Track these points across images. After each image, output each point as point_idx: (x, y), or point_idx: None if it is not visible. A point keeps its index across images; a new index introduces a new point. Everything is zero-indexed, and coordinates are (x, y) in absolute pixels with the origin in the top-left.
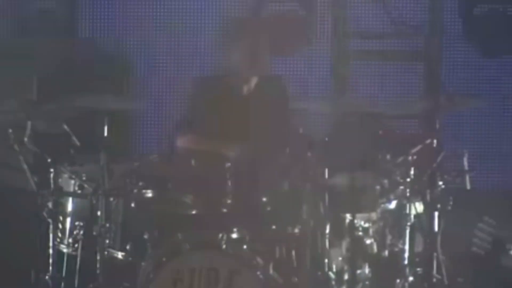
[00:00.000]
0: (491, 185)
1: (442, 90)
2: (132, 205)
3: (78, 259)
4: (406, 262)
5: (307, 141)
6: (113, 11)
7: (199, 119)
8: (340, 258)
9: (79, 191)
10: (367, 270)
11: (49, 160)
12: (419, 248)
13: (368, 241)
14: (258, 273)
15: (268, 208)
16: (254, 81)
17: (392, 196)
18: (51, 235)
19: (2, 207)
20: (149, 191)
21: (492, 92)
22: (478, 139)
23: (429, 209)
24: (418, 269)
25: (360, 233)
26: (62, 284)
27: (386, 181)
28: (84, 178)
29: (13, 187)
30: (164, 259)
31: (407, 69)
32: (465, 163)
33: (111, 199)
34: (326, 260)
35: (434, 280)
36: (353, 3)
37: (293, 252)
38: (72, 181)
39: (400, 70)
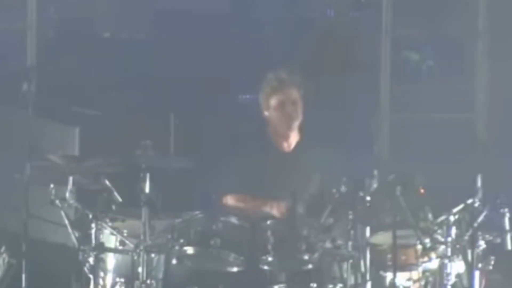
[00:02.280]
0: None
1: (485, 149)
2: (174, 261)
3: None
4: None
5: (349, 199)
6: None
7: (243, 178)
8: None
9: (120, 247)
10: None
11: (90, 216)
12: None
13: None
14: None
15: (310, 266)
16: (294, 138)
17: (433, 255)
18: None
19: (43, 263)
20: (190, 247)
21: None
22: None
23: (470, 268)
24: None
25: None
26: None
27: (427, 240)
28: (125, 234)
29: (54, 243)
30: None
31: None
32: (506, 222)
33: (153, 255)
34: None
35: None
36: None
37: None
38: (114, 237)
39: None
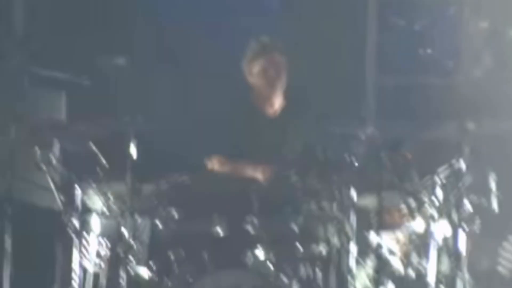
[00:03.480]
0: None
1: (470, 113)
2: (159, 224)
3: (104, 277)
4: (431, 282)
5: (334, 162)
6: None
7: (228, 142)
8: (366, 278)
9: (105, 211)
10: None
11: (76, 179)
12: (445, 268)
13: (393, 261)
14: None
15: (294, 228)
16: (279, 103)
17: (418, 217)
18: (76, 254)
19: (28, 225)
20: (175, 210)
21: None
22: (506, 160)
23: (455, 230)
24: None
25: (386, 253)
26: None
27: (412, 202)
28: (111, 198)
29: (39, 206)
30: (190, 279)
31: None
32: (493, 184)
33: (138, 218)
34: (352, 280)
35: None
36: None
37: (319, 272)
38: (99, 201)
39: (429, 92)
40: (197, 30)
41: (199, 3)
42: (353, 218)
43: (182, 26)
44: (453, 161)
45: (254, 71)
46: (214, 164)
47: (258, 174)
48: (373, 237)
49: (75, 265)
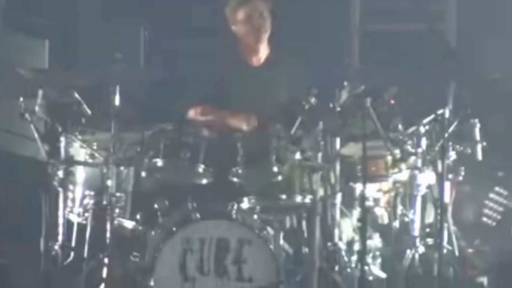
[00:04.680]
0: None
1: (454, 59)
2: (143, 174)
3: (88, 228)
4: (416, 232)
5: (319, 110)
6: None
7: (212, 91)
8: (350, 228)
9: (89, 160)
10: (377, 240)
11: (60, 129)
12: (430, 218)
13: (379, 211)
14: (268, 243)
15: (279, 178)
16: (264, 52)
17: (403, 166)
18: (61, 204)
19: (12, 176)
20: (159, 160)
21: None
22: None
23: (440, 179)
24: (429, 239)
25: (371, 203)
26: (72, 253)
27: (397, 151)
28: (95, 147)
29: (23, 156)
30: (174, 228)
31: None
32: (477, 133)
33: (122, 168)
34: (337, 230)
35: (445, 251)
36: None
37: (304, 222)
38: (83, 150)
39: (413, 39)
40: None
41: None
42: (337, 168)
43: None
44: (439, 111)
45: (238, 19)
46: (197, 112)
47: (242, 123)
48: (357, 187)
49: (60, 216)
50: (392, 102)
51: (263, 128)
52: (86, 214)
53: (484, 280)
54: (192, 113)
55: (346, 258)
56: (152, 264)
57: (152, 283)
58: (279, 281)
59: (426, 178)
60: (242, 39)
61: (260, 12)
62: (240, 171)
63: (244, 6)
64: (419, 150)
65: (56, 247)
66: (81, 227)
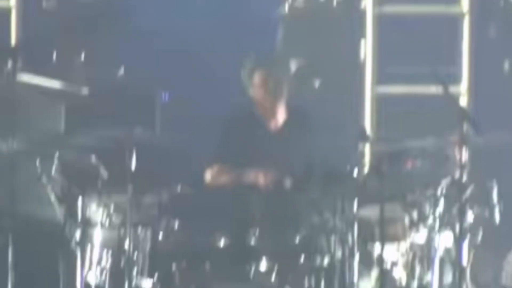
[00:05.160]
0: None
1: (470, 123)
2: (160, 236)
3: None
4: None
5: (336, 173)
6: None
7: (229, 153)
8: None
9: (107, 222)
10: None
11: (77, 191)
12: (448, 280)
13: (396, 273)
14: None
15: (297, 240)
16: (281, 116)
17: (421, 228)
18: (79, 266)
19: (30, 238)
20: (176, 222)
21: None
22: (508, 173)
23: (458, 241)
24: None
25: (389, 265)
26: None
27: (415, 213)
28: (112, 210)
29: (41, 218)
30: None
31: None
32: (494, 196)
33: (139, 230)
34: None
35: None
36: None
37: (322, 284)
38: (100, 212)
39: (427, 103)
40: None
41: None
42: (355, 230)
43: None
44: (455, 172)
45: (254, 83)
46: (214, 173)
47: (259, 179)
48: (375, 249)
49: (78, 278)
50: (410, 165)
51: (281, 190)
52: (104, 276)
53: None
54: (208, 174)
55: None
56: None
57: None
58: None
59: (444, 240)
60: (259, 103)
61: (275, 76)
62: (257, 233)
63: (259, 69)
64: (437, 212)
65: None
66: None
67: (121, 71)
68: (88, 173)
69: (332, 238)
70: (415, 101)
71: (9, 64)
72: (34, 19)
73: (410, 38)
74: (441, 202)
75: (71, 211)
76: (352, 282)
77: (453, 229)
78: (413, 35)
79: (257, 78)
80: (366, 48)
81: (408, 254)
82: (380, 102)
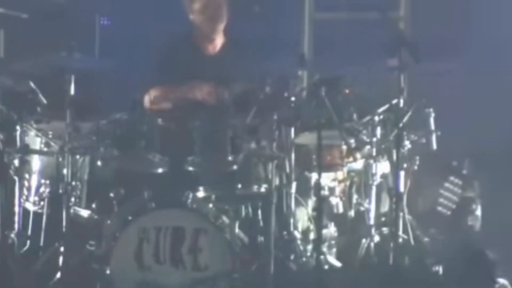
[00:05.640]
0: (457, 146)
1: (408, 49)
2: (98, 163)
3: (44, 217)
4: (372, 221)
5: (274, 100)
6: None
7: (167, 78)
8: (306, 218)
9: (45, 149)
10: (332, 229)
11: (15, 117)
12: (385, 207)
13: (334, 201)
14: (224, 232)
15: (234, 167)
16: (219, 41)
17: (358, 156)
18: (17, 193)
19: None
20: (115, 149)
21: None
22: (445, 100)
23: (395, 168)
24: (384, 228)
25: (326, 193)
26: (28, 241)
27: (352, 141)
28: (50, 136)
29: None
30: (130, 217)
31: (373, 28)
32: (431, 122)
33: (77, 157)
34: (292, 220)
35: (400, 240)
36: None
37: (259, 212)
38: (39, 139)
39: (366, 29)
40: None
41: None
42: (293, 157)
43: None
44: (393, 99)
45: (195, 9)
46: (156, 95)
47: (198, 93)
48: (313, 176)
49: (16, 205)
50: (347, 91)
51: (219, 117)
52: (42, 203)
53: (439, 268)
54: (149, 98)
55: (301, 247)
56: (108, 252)
57: (108, 272)
58: (235, 269)
59: (381, 168)
60: (198, 28)
61: (216, 2)
62: (195, 160)
63: None
64: (374, 139)
65: (12, 235)
66: (37, 216)
67: None
68: (26, 99)
69: (269, 165)
70: (354, 27)
71: None
72: None
73: None
74: (378, 129)
75: (9, 138)
76: (289, 210)
77: (390, 157)
78: None
79: (198, 4)
80: None
81: (345, 181)
82: (319, 28)
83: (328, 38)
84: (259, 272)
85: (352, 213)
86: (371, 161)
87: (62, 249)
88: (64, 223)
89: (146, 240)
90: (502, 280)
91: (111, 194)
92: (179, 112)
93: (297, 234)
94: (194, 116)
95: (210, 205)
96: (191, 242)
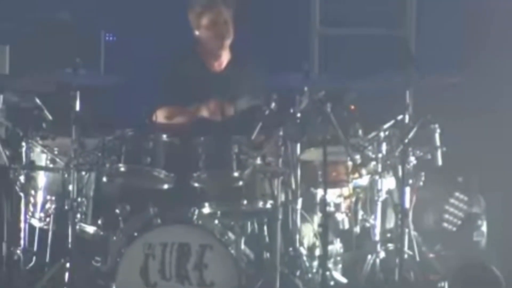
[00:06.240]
0: (462, 162)
1: (414, 65)
2: (104, 179)
3: (50, 233)
4: (377, 237)
5: (279, 116)
6: None
7: (173, 97)
8: (311, 234)
9: (51, 165)
10: (338, 245)
11: (21, 134)
12: (390, 224)
13: (339, 217)
14: (230, 248)
15: (240, 183)
16: (226, 58)
17: (364, 172)
18: (23, 209)
19: None
20: (121, 165)
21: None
22: (450, 116)
23: (401, 184)
24: (390, 244)
25: (332, 209)
26: (34, 258)
27: (358, 157)
28: (56, 152)
29: None
30: (135, 233)
31: (379, 44)
32: (437, 138)
33: (83, 173)
34: (298, 236)
35: (406, 256)
36: None
37: (265, 227)
38: (44, 155)
39: (372, 45)
40: None
41: None
42: (298, 173)
43: None
44: (398, 115)
45: (202, 24)
46: (159, 113)
47: (204, 111)
48: (318, 192)
49: (22, 221)
50: (352, 107)
51: (225, 133)
52: (48, 219)
53: (445, 284)
54: (154, 115)
55: (307, 263)
56: (114, 269)
57: None
58: (241, 286)
59: (387, 184)
60: (204, 44)
61: (224, 18)
62: (201, 176)
63: (209, 11)
64: (380, 155)
65: (18, 251)
66: (43, 232)
67: (66, 12)
68: (32, 115)
69: (275, 181)
70: (361, 42)
71: None
72: None
73: None
74: (384, 145)
75: (15, 154)
76: (295, 226)
77: (395, 173)
78: None
79: (205, 20)
80: None
81: (351, 198)
82: (326, 43)
83: (335, 53)
84: None
85: (357, 229)
86: (377, 177)
87: (68, 265)
88: (70, 239)
89: (152, 256)
90: None
91: (117, 210)
92: (185, 128)
93: (303, 250)
94: (199, 133)
95: (216, 221)
96: (197, 258)
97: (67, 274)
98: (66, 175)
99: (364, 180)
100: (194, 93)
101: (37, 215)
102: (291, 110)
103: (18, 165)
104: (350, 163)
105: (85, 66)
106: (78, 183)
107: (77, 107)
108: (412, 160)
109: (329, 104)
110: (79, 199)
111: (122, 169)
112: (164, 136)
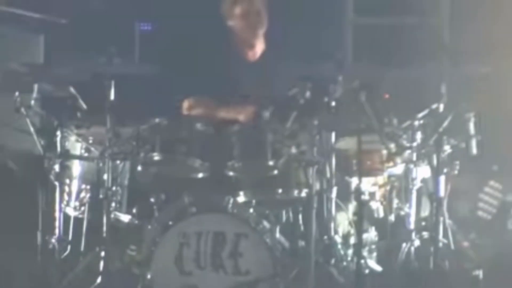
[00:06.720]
0: (497, 150)
1: (447, 55)
2: (139, 168)
3: (85, 222)
4: (412, 226)
5: (314, 105)
6: None
7: (207, 86)
8: (346, 222)
9: (85, 154)
10: (373, 234)
11: (55, 123)
12: (425, 212)
13: (374, 205)
14: (265, 236)
15: (275, 172)
16: (260, 47)
17: (398, 160)
18: (57, 198)
19: (9, 170)
20: (155, 154)
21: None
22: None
23: (435, 173)
24: (424, 233)
25: (367, 197)
26: (68, 247)
27: (392, 145)
28: (90, 141)
29: (20, 150)
30: (170, 222)
31: (413, 33)
32: (471, 127)
33: (118, 162)
34: (333, 224)
35: (440, 244)
36: None
37: (300, 216)
38: (79, 144)
39: (405, 33)
40: None
41: None
42: (333, 162)
43: None
44: (434, 105)
45: (235, 14)
46: (192, 105)
47: (239, 115)
48: (353, 181)
49: (57, 210)
50: (387, 96)
51: (260, 122)
52: (83, 208)
53: (479, 273)
54: (186, 106)
55: (342, 252)
56: (149, 257)
57: (149, 277)
58: (276, 274)
59: (421, 172)
60: (238, 35)
61: (257, 8)
62: (236, 165)
63: (241, 1)
64: (414, 144)
65: (53, 240)
66: (78, 221)
67: (101, 2)
68: (66, 104)
69: (310, 170)
70: (395, 31)
71: None
72: None
73: None
74: (418, 133)
75: (50, 143)
76: (330, 215)
77: (430, 161)
78: None
79: (238, 10)
80: None
81: (385, 186)
82: (359, 32)
83: (368, 42)
84: (299, 277)
85: (392, 217)
86: (411, 166)
87: (102, 254)
88: (104, 228)
89: (186, 245)
90: None
91: (152, 199)
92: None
93: (338, 239)
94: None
95: (251, 210)
96: (232, 247)
97: (101, 263)
98: (100, 164)
99: (399, 169)
100: (229, 83)
101: (72, 204)
102: (326, 99)
103: (53, 154)
104: (384, 152)
105: (120, 55)
106: (112, 172)
107: (112, 96)
108: (447, 148)
109: (363, 93)
110: (113, 188)
111: (157, 158)
112: (199, 125)
